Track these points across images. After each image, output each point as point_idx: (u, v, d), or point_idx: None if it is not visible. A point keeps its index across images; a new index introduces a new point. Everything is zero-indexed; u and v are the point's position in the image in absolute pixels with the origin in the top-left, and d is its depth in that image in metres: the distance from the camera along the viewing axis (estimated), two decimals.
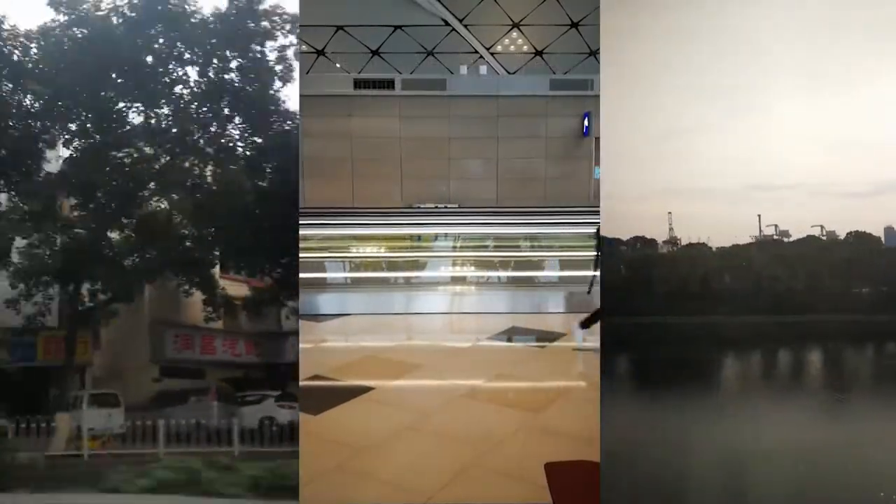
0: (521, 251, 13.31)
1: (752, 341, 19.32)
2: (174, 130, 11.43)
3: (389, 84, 17.52)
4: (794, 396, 13.57)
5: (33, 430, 9.65)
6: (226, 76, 11.68)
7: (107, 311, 11.38)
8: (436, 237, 13.25)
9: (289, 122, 12.04)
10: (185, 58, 11.42)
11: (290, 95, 12.05)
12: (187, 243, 11.66)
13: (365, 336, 10.68)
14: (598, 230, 11.59)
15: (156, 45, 11.23)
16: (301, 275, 11.10)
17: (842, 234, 23.77)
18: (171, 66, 11.38)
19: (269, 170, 11.83)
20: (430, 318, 11.83)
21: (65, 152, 11.40)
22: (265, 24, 11.69)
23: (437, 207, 16.64)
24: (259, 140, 11.87)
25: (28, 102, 11.11)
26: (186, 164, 11.68)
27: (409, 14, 15.38)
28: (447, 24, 15.71)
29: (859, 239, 23.19)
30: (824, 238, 23.82)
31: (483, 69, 17.68)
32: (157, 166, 11.54)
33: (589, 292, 10.82)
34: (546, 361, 9.35)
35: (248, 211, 11.23)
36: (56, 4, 10.92)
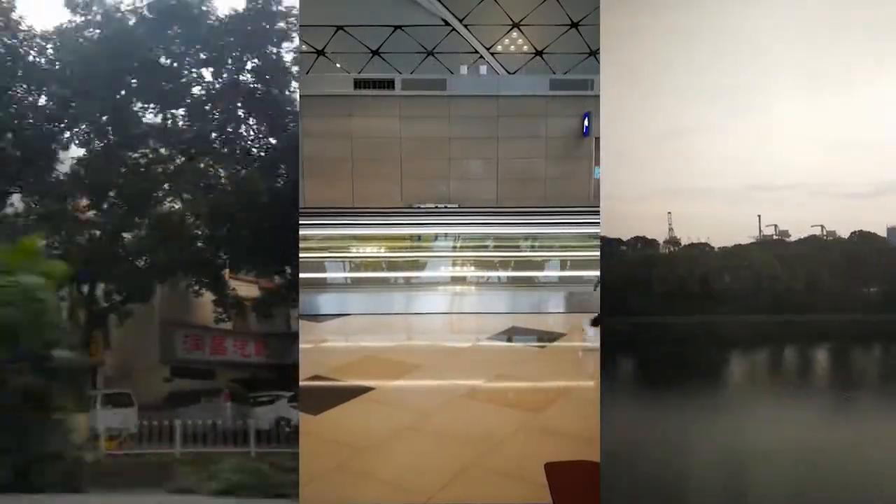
0: (521, 251, 13.31)
1: (755, 341, 19.32)
2: (190, 131, 11.42)
3: (389, 84, 17.51)
4: (797, 397, 13.57)
5: (53, 430, 9.63)
6: (241, 77, 11.70)
7: (122, 310, 11.36)
8: (436, 237, 13.25)
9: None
10: (200, 58, 11.42)
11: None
12: (199, 244, 11.67)
13: (365, 336, 10.68)
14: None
15: (172, 46, 11.23)
16: (301, 275, 11.12)
17: (842, 235, 23.77)
18: (186, 67, 11.38)
19: (282, 170, 11.86)
20: (430, 318, 11.84)
21: (80, 152, 11.36)
22: (281, 25, 11.72)
23: (437, 207, 16.64)
24: (273, 141, 11.91)
25: (43, 103, 11.09)
26: (202, 165, 11.67)
27: (410, 14, 15.37)
28: (447, 24, 15.70)
29: (863, 239, 23.18)
30: (829, 238, 23.81)
31: (483, 69, 17.68)
32: (172, 167, 11.53)
33: (595, 289, 10.86)
34: (546, 361, 9.35)
35: (261, 211, 11.23)
36: (72, 6, 10.92)
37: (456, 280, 12.67)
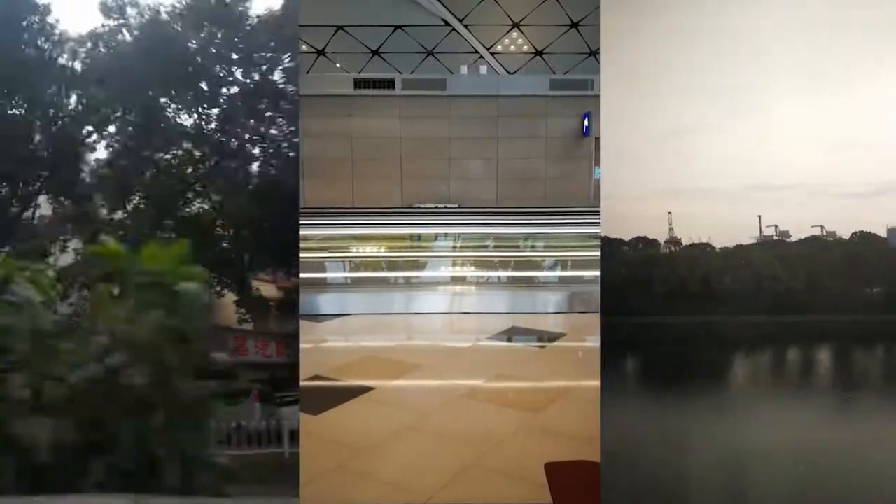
0: (521, 251, 13.30)
1: (755, 342, 19.33)
2: (221, 132, 11.41)
3: (389, 84, 17.51)
4: (798, 397, 13.57)
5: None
6: (270, 77, 11.69)
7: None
8: (436, 237, 13.24)
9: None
10: (232, 59, 11.40)
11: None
12: (225, 244, 11.66)
13: (365, 336, 10.68)
14: None
15: (204, 47, 11.20)
16: (301, 275, 11.12)
17: (842, 235, 23.79)
18: (218, 68, 11.36)
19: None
20: (430, 318, 11.83)
21: (110, 155, 11.34)
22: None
23: (437, 207, 16.63)
24: (297, 140, 11.93)
25: (73, 105, 11.06)
26: (232, 165, 11.67)
27: (410, 14, 15.38)
28: (447, 24, 15.71)
29: (864, 239, 23.19)
30: (831, 239, 23.82)
31: (483, 69, 17.68)
32: (202, 168, 11.52)
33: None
34: (546, 361, 9.34)
35: (279, 212, 11.23)
36: (106, 9, 10.91)
37: (456, 280, 12.66)
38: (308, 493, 5.48)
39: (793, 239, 24.27)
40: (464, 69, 17.67)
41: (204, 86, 11.28)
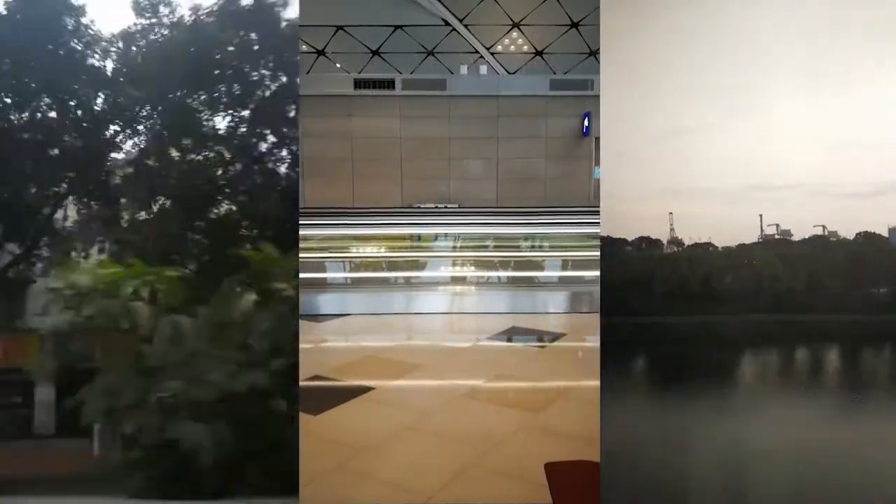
0: (521, 251, 13.31)
1: (755, 342, 19.32)
2: (251, 134, 11.40)
3: (389, 84, 17.52)
4: (799, 397, 13.56)
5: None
6: (298, 80, 11.70)
7: None
8: (436, 237, 13.25)
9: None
10: (261, 61, 11.38)
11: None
12: (247, 245, 11.64)
13: (365, 336, 10.68)
14: None
15: (236, 49, 11.18)
16: (301, 275, 11.11)
17: (843, 235, 23.78)
18: (247, 70, 11.33)
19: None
20: (430, 318, 11.84)
21: (140, 156, 11.29)
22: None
23: (437, 207, 16.65)
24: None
25: (101, 105, 11.02)
26: (257, 168, 11.67)
27: (410, 14, 15.40)
28: (447, 24, 15.72)
29: (868, 239, 23.18)
30: (833, 239, 23.80)
31: (483, 69, 17.69)
32: (232, 170, 11.50)
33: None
34: (546, 361, 9.35)
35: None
36: (139, 9, 10.90)
37: (456, 280, 12.67)
38: (308, 493, 5.48)
39: (795, 239, 24.27)
40: (464, 69, 17.68)
41: (234, 88, 11.28)
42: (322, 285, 12.41)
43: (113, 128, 10.94)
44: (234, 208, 11.46)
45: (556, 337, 10.54)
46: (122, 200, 11.15)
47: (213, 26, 10.91)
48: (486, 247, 13.22)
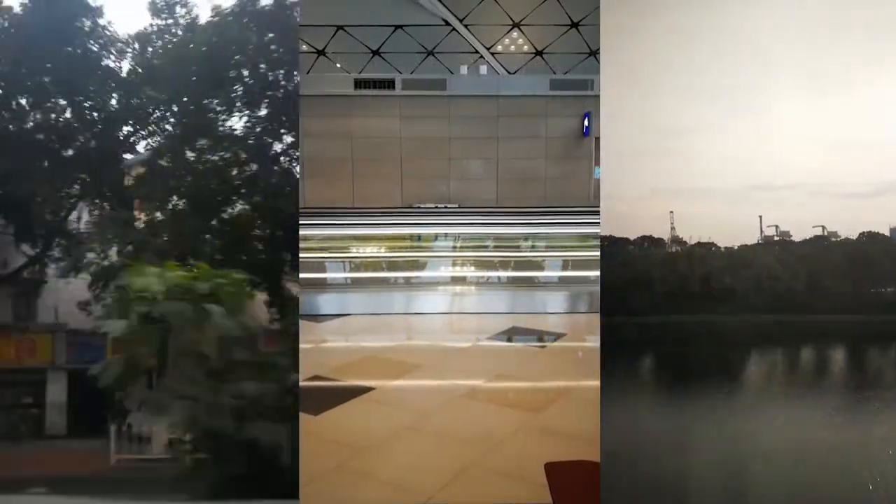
0: (521, 251, 13.31)
1: (755, 342, 19.32)
2: (265, 134, 11.40)
3: (390, 84, 17.51)
4: (799, 397, 13.57)
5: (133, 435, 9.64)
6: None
7: None
8: (436, 237, 13.25)
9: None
10: (278, 61, 11.37)
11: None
12: (260, 245, 11.65)
13: (365, 336, 10.69)
14: None
15: (252, 50, 11.16)
16: (301, 275, 11.12)
17: (842, 235, 23.79)
18: (262, 70, 11.34)
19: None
20: (430, 318, 11.85)
21: (153, 156, 11.25)
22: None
23: (437, 207, 16.63)
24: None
25: (116, 105, 11.00)
26: (273, 168, 11.67)
27: (410, 14, 15.36)
28: (447, 24, 15.69)
29: (872, 239, 23.17)
30: (834, 239, 23.80)
31: (483, 69, 17.67)
32: (247, 170, 11.50)
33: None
34: (546, 361, 9.35)
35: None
36: (155, 10, 10.88)
37: (456, 280, 12.67)
38: (308, 493, 5.48)
39: (796, 239, 24.27)
40: (464, 69, 17.66)
41: (251, 88, 11.28)
42: (322, 285, 12.41)
43: (127, 128, 10.93)
44: (247, 208, 11.48)
45: (556, 337, 10.54)
46: (139, 201, 11.15)
47: (231, 27, 10.91)
48: (486, 247, 13.22)
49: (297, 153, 11.95)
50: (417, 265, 12.90)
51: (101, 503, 8.17)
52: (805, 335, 19.68)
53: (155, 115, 11.00)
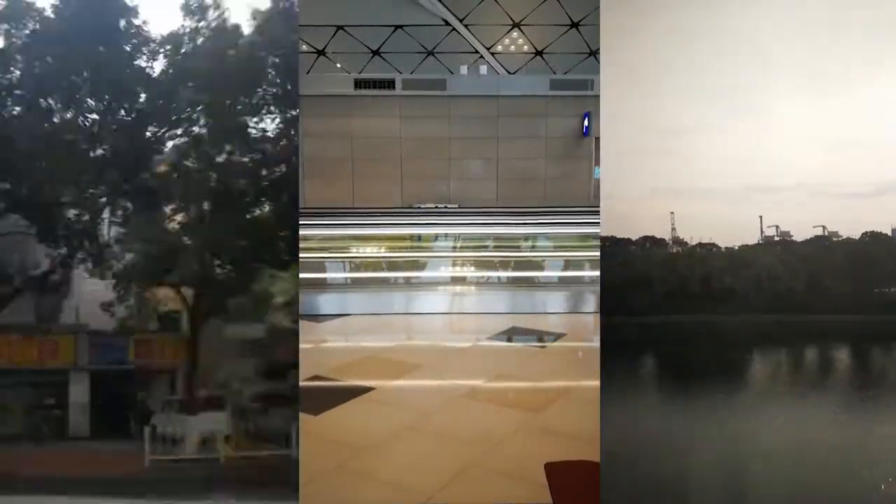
0: (521, 251, 13.32)
1: (755, 342, 19.33)
2: (285, 137, 11.38)
3: (390, 84, 17.52)
4: (800, 397, 13.57)
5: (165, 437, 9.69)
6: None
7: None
8: (436, 237, 13.26)
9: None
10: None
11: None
12: (280, 244, 11.66)
13: (365, 336, 10.68)
14: None
15: (281, 53, 11.15)
16: (301, 275, 11.10)
17: (842, 235, 23.82)
18: (284, 75, 11.32)
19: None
20: (430, 318, 11.84)
21: (178, 157, 11.23)
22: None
23: (437, 207, 16.65)
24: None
25: (144, 107, 10.95)
26: (286, 169, 11.66)
27: (410, 14, 15.37)
28: (447, 24, 15.70)
29: (874, 239, 23.18)
30: (835, 239, 23.80)
31: (483, 69, 17.69)
32: (266, 172, 11.48)
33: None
34: (546, 361, 9.35)
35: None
36: (188, 11, 10.86)
37: (456, 280, 12.67)
38: (308, 493, 5.48)
39: (793, 239, 24.28)
40: (464, 69, 17.68)
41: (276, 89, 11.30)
42: (322, 285, 12.41)
43: (157, 129, 10.91)
44: (268, 209, 11.47)
45: (556, 337, 10.53)
46: (168, 203, 11.14)
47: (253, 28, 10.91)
48: (486, 247, 13.22)
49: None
50: (417, 265, 12.90)
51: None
52: (806, 335, 19.70)
53: (187, 116, 10.96)
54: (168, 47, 10.80)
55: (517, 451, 6.17)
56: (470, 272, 12.81)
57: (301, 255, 10.94)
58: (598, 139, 17.24)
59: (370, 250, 13.12)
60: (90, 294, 10.76)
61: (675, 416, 11.54)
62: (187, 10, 10.75)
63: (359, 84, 17.46)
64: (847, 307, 20.92)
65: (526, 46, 16.91)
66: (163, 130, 10.94)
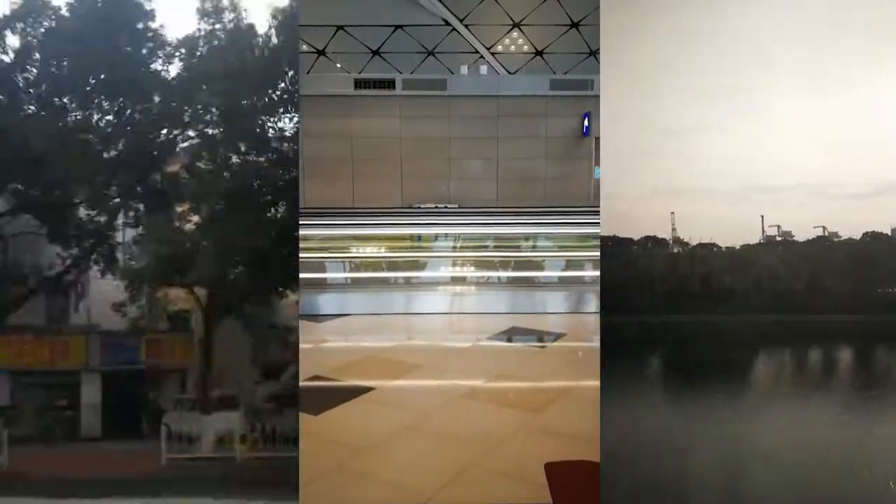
0: (521, 251, 13.31)
1: (754, 342, 19.32)
2: (292, 138, 11.37)
3: (390, 84, 17.52)
4: (800, 397, 13.57)
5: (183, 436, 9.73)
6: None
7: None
8: (436, 237, 13.25)
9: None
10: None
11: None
12: (283, 245, 11.65)
13: (365, 336, 10.69)
14: None
15: (291, 53, 11.14)
16: (301, 275, 11.11)
17: (843, 235, 23.82)
18: (292, 75, 11.32)
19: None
20: (430, 318, 11.84)
21: (191, 158, 11.19)
22: None
23: (437, 207, 16.64)
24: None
25: (158, 109, 10.93)
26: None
27: (410, 14, 15.36)
28: (448, 24, 15.69)
29: (876, 239, 23.19)
30: (837, 239, 23.81)
31: (483, 69, 17.68)
32: (275, 172, 11.47)
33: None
34: (546, 361, 9.35)
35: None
36: (204, 13, 10.84)
37: (456, 280, 12.67)
38: (308, 493, 5.48)
39: (797, 239, 24.29)
40: (464, 69, 17.67)
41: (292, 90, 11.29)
42: (322, 285, 12.40)
43: (171, 130, 10.88)
44: (285, 207, 11.44)
45: (556, 337, 10.54)
46: (181, 204, 11.11)
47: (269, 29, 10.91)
48: (486, 247, 13.22)
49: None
50: (417, 265, 12.90)
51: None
52: (807, 335, 19.69)
53: (200, 117, 10.93)
54: (182, 50, 10.81)
55: (517, 451, 6.17)
56: (470, 272, 12.80)
57: (301, 255, 10.95)
58: (598, 139, 17.24)
59: (370, 250, 13.12)
60: (102, 294, 10.78)
61: (676, 416, 11.54)
62: (203, 13, 10.78)
63: (359, 84, 17.46)
64: (848, 307, 20.93)
65: (526, 46, 16.90)
66: (176, 132, 10.95)
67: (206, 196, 10.79)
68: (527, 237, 13.30)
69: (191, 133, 10.99)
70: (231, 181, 10.82)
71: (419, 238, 13.22)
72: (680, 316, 19.97)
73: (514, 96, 17.68)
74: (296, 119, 11.43)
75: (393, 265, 12.93)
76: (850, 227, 23.38)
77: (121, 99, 10.57)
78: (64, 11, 10.16)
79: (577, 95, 17.47)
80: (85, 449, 10.20)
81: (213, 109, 10.78)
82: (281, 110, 11.15)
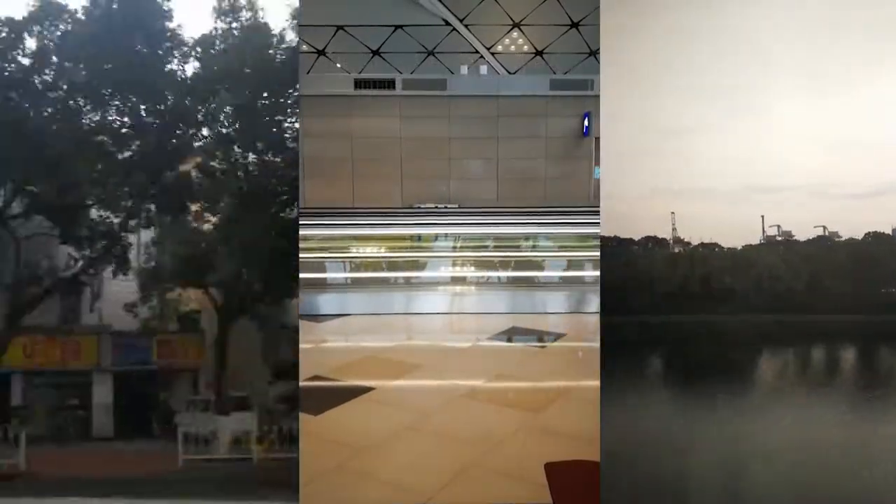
0: (521, 251, 13.32)
1: (754, 342, 19.32)
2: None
3: (390, 84, 17.52)
4: (800, 397, 13.56)
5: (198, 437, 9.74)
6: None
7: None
8: (436, 237, 13.26)
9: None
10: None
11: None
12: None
13: (365, 336, 10.69)
14: None
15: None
16: (301, 275, 11.10)
17: (843, 235, 23.81)
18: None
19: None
20: (430, 319, 11.84)
21: (204, 158, 11.17)
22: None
23: (437, 207, 16.65)
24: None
25: (171, 109, 10.92)
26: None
27: (410, 14, 15.36)
28: (448, 23, 15.69)
29: (877, 239, 23.18)
30: (838, 239, 23.80)
31: (483, 69, 17.68)
32: (280, 173, 11.47)
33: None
34: (546, 361, 9.35)
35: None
36: (220, 13, 10.83)
37: (456, 280, 12.67)
38: (308, 493, 5.48)
39: (798, 239, 24.28)
40: (464, 69, 17.67)
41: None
42: (322, 285, 12.40)
43: (187, 130, 10.87)
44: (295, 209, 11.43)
45: (556, 337, 10.54)
46: (197, 204, 11.10)
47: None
48: (486, 247, 13.22)
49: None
50: (417, 265, 12.90)
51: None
52: (807, 335, 19.68)
53: (215, 117, 10.93)
54: (199, 50, 10.79)
55: (517, 451, 6.17)
56: (470, 272, 12.81)
57: (301, 255, 10.95)
58: (598, 139, 17.23)
59: (370, 250, 13.12)
60: (114, 295, 10.79)
61: (676, 416, 11.52)
62: (220, 12, 10.78)
63: (359, 84, 17.46)
64: (848, 307, 20.92)
65: (526, 46, 16.89)
66: (192, 131, 10.95)
67: (219, 196, 10.80)
68: (527, 237, 13.31)
69: (205, 132, 10.99)
70: (246, 181, 10.84)
71: (419, 238, 13.23)
72: (680, 316, 19.97)
73: (514, 96, 17.68)
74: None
75: (393, 265, 12.93)
76: (851, 227, 23.38)
77: (137, 99, 10.57)
78: (80, 14, 10.16)
79: (577, 95, 17.47)
80: (97, 448, 10.21)
81: (227, 109, 10.78)
82: (288, 110, 11.15)
